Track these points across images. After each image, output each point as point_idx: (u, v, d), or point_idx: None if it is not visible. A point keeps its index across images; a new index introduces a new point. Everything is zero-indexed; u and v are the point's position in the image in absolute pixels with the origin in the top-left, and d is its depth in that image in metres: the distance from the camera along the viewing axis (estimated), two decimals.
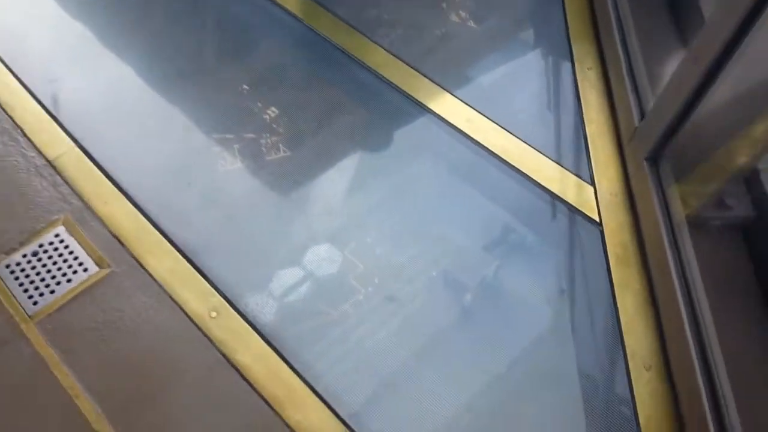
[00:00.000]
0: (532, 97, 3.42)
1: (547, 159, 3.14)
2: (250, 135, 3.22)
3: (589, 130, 3.23)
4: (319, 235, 2.84)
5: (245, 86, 3.46)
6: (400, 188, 3.06)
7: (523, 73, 3.55)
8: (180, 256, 2.87)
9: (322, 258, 2.74)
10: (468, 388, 2.45)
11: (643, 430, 2.40)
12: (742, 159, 2.53)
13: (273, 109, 3.35)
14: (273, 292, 2.68)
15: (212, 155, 3.16)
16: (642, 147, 2.85)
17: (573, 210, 2.97)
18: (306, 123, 3.29)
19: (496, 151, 3.16)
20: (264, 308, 2.65)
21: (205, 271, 2.80)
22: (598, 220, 2.91)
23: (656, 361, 2.51)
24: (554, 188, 3.02)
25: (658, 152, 2.77)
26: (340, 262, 2.72)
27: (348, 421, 2.38)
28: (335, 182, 3.06)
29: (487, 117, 3.30)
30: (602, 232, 2.87)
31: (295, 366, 2.52)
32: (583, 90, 3.40)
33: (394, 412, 2.41)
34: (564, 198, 2.99)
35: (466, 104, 3.36)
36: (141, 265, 2.85)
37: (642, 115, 2.96)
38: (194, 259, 2.85)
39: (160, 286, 2.78)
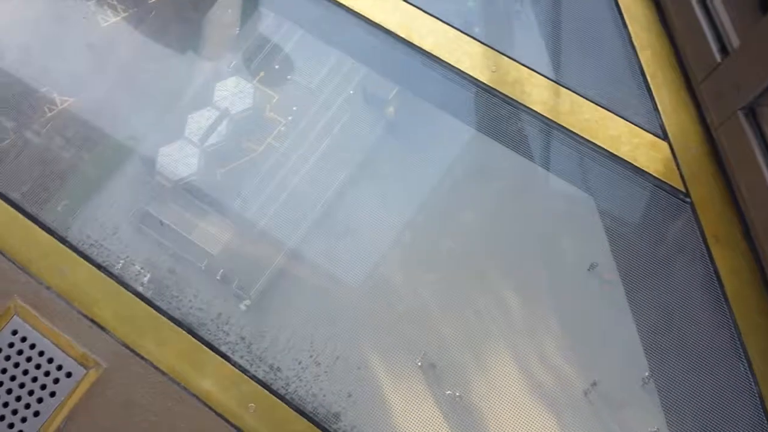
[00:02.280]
0: (560, 21, 2.70)
1: (602, 108, 2.51)
2: None
3: (643, 58, 2.57)
4: (222, 72, 2.61)
5: None
6: (293, 16, 2.76)
7: None
8: (182, 331, 2.28)
9: (232, 93, 2.58)
10: (409, 201, 2.43)
11: None
12: None
13: None
14: (191, 137, 2.52)
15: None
16: (732, 93, 2.25)
17: (650, 179, 2.42)
18: None
19: (535, 108, 2.52)
20: (188, 156, 2.50)
21: None
22: (684, 189, 2.37)
23: None
24: (619, 150, 2.44)
25: (759, 102, 2.19)
26: (252, 95, 2.55)
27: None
28: (231, 13, 2.77)
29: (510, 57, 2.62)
30: (693, 206, 2.36)
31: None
32: None
33: (335, 241, 2.40)
34: (634, 162, 2.42)
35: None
36: (137, 354, 2.25)
37: (722, 48, 2.32)
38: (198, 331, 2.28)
39: (169, 377, 2.21)
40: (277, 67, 2.65)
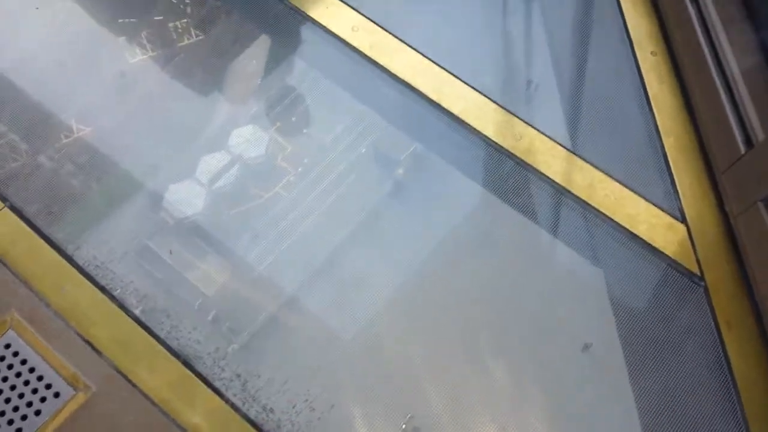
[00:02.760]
0: (587, 98, 2.75)
1: (622, 186, 2.52)
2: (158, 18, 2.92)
3: (667, 144, 2.60)
4: (241, 118, 2.68)
5: None
6: (322, 67, 2.81)
7: (569, 66, 2.85)
8: (177, 361, 2.23)
9: (247, 140, 2.61)
10: (408, 261, 2.42)
11: None
12: None
13: None
14: (200, 179, 2.56)
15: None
16: (753, 184, 2.27)
17: (664, 259, 2.41)
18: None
19: (554, 178, 2.53)
20: (195, 196, 2.52)
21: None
22: (698, 273, 2.36)
23: None
24: (637, 228, 2.43)
25: None
26: (266, 143, 2.60)
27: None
28: (256, 63, 2.82)
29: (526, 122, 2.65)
30: (707, 290, 2.34)
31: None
32: (650, 84, 2.73)
33: (332, 294, 2.38)
34: (650, 242, 2.41)
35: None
36: (128, 380, 2.19)
37: (747, 139, 2.35)
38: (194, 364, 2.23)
39: (159, 408, 2.15)
40: (294, 119, 2.69)
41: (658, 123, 2.62)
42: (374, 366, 2.29)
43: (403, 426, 2.18)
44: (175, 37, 2.85)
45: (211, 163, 2.57)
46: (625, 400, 2.23)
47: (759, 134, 2.29)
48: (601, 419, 2.23)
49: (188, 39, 2.84)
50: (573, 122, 2.70)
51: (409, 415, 2.18)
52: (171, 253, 2.42)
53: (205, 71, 2.80)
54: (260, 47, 2.85)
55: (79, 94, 2.74)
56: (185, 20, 2.86)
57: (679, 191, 2.49)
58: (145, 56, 2.81)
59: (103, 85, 2.76)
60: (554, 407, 2.23)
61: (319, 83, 2.78)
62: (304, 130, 2.67)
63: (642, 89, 2.71)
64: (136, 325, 2.28)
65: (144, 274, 2.39)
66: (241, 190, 2.56)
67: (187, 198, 2.52)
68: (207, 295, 2.37)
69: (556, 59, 2.82)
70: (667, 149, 2.57)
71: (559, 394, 2.25)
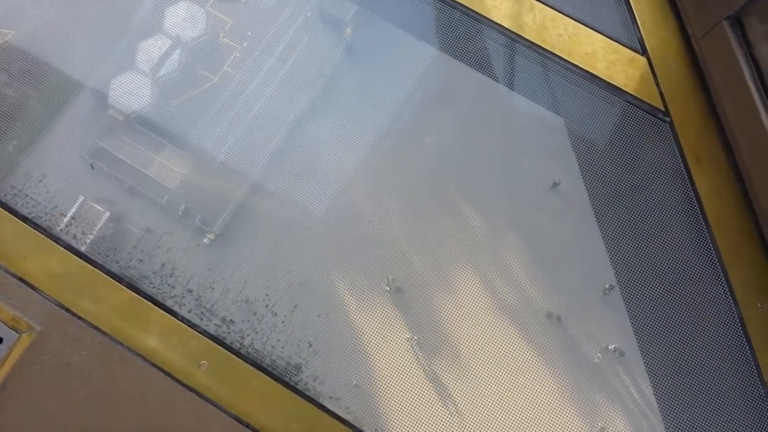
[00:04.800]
0: None
1: (571, 19, 2.28)
2: None
3: None
4: None
5: None
6: None
7: None
8: (122, 286, 2.07)
9: (183, 19, 2.41)
10: (370, 124, 2.31)
11: None
12: None
13: None
14: (142, 68, 2.33)
15: None
16: (717, 1, 2.05)
17: (626, 97, 2.22)
18: None
19: (503, 23, 2.28)
20: (142, 88, 2.32)
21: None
22: (663, 107, 2.19)
23: None
24: (593, 66, 2.23)
25: (746, 11, 1.99)
26: (204, 20, 2.40)
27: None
28: None
29: None
30: (672, 125, 2.18)
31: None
32: None
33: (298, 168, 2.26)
34: (609, 80, 2.22)
35: None
36: (72, 313, 2.05)
37: None
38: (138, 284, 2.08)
39: (108, 336, 2.02)
40: None
41: None
42: (349, 236, 2.21)
43: (387, 289, 2.13)
44: None
45: (150, 50, 2.34)
46: (595, 236, 2.16)
47: None
48: (575, 255, 2.17)
49: None
50: None
51: (390, 278, 2.13)
52: (92, 168, 2.20)
53: None
54: None
55: None
56: None
57: (638, 20, 2.26)
58: None
59: None
60: (530, 246, 2.18)
61: None
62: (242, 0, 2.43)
63: None
64: (70, 254, 2.10)
65: (98, 181, 2.22)
66: (187, 74, 2.36)
67: (131, 90, 2.31)
68: (171, 189, 2.23)
69: None
70: None
71: (532, 233, 2.20)
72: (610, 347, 2.05)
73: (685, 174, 2.16)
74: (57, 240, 2.11)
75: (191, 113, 2.31)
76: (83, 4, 2.43)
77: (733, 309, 2.07)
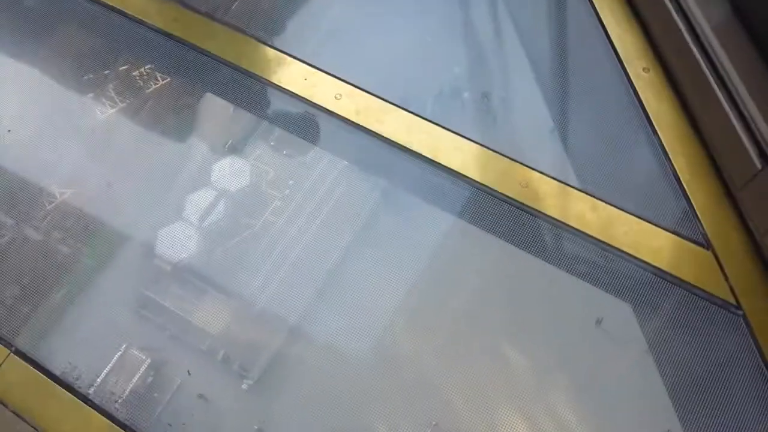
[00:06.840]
0: (582, 127, 2.58)
1: (635, 218, 2.33)
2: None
3: (677, 165, 2.42)
4: (218, 152, 2.61)
5: None
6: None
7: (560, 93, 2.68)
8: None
9: (229, 172, 2.54)
10: (410, 266, 2.32)
11: None
12: None
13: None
14: (190, 219, 2.45)
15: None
16: None
17: (694, 291, 2.20)
18: None
19: (568, 222, 2.34)
20: (188, 238, 2.41)
21: None
22: (734, 302, 2.15)
23: None
24: (658, 261, 2.23)
25: None
26: (249, 172, 2.53)
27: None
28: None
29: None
30: (746, 319, 2.12)
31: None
32: (648, 103, 2.53)
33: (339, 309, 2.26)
34: (677, 274, 2.21)
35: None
36: None
37: (762, 153, 2.19)
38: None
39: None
40: (272, 143, 2.63)
41: (665, 144, 2.45)
42: (390, 380, 2.17)
43: None
44: (141, 84, 2.77)
45: (197, 201, 2.50)
46: None
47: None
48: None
49: (155, 84, 2.76)
50: (574, 156, 2.52)
51: (434, 422, 2.04)
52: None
53: (176, 113, 2.70)
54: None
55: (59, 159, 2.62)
56: (149, 65, 2.79)
57: (698, 214, 2.30)
58: (115, 109, 2.72)
59: (80, 146, 2.66)
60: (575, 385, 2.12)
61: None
62: (284, 152, 2.61)
63: (641, 109, 2.54)
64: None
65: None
66: (231, 223, 2.47)
67: (178, 240, 2.41)
68: (212, 335, 2.24)
69: (543, 86, 2.67)
70: (678, 171, 2.40)
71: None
72: None
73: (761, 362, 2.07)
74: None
75: (233, 260, 2.38)
76: (138, 163, 2.61)
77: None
